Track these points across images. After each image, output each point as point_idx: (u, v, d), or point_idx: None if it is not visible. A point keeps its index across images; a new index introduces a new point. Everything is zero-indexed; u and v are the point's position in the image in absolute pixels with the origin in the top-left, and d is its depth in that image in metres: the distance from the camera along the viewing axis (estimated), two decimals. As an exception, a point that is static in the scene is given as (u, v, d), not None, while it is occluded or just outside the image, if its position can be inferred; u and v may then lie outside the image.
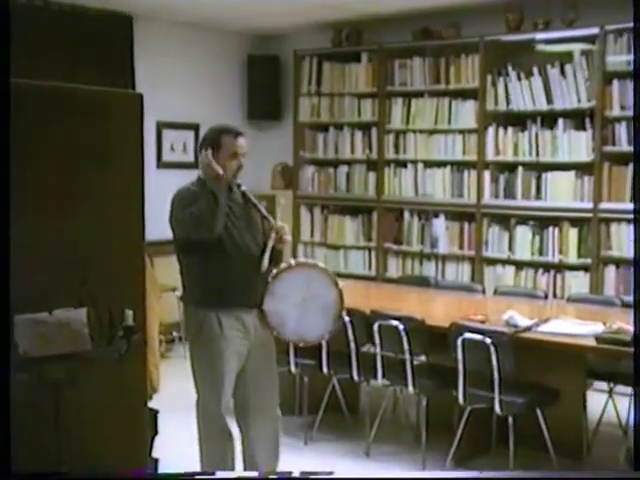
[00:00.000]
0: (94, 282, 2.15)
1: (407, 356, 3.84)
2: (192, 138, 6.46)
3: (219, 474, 2.09)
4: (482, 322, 3.88)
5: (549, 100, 5.37)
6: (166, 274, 4.65)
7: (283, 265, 2.95)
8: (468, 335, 3.72)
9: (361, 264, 6.28)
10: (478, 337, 3.70)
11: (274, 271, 2.93)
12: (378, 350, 3.99)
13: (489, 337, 3.66)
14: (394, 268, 6.10)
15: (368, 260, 6.27)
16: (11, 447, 1.77)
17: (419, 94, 5.93)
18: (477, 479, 2.00)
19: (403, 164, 6.03)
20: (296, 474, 1.79)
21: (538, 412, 3.80)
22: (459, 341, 3.75)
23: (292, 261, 2.97)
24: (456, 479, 2.20)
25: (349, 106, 6.29)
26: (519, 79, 5.46)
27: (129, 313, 2.15)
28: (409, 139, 6.01)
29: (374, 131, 6.19)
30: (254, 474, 2.61)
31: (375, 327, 4.02)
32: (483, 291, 4.89)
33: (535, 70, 5.42)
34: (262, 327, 3.01)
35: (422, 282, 5.15)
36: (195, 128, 6.51)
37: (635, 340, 2.94)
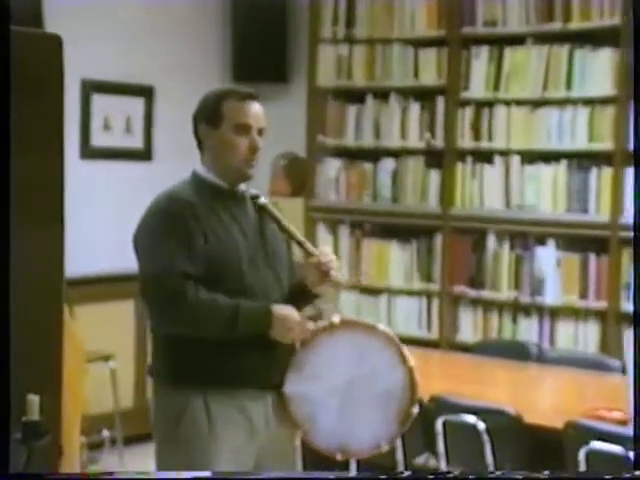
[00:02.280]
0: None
1: (492, 474, 3.51)
2: (141, 110, 6.23)
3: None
4: (621, 423, 3.78)
5: None
6: (94, 333, 4.62)
7: (321, 323, 2.96)
8: (597, 445, 3.60)
9: (415, 319, 6.05)
10: (615, 449, 3.58)
11: (303, 340, 2.95)
12: (443, 464, 3.98)
13: (633, 449, 3.38)
14: (469, 327, 5.87)
15: (427, 313, 6.00)
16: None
17: (517, 40, 5.68)
18: (478, 479, 2.38)
19: (487, 157, 5.75)
20: None
21: None
22: (582, 453, 3.64)
23: (335, 318, 2.96)
24: (455, 478, 2.63)
25: (399, 61, 6.06)
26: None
27: (33, 400, 2.09)
28: (498, 116, 5.74)
29: (440, 102, 5.91)
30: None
31: (438, 425, 3.97)
32: (623, 369, 4.54)
33: None
34: (279, 422, 2.98)
35: (517, 352, 4.99)
36: (147, 93, 6.26)
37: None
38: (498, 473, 3.33)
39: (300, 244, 2.97)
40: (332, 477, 2.15)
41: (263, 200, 2.97)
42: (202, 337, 2.80)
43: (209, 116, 2.90)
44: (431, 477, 2.64)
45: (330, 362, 3.01)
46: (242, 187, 2.90)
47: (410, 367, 2.97)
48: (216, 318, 2.77)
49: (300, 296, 2.99)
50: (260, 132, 2.89)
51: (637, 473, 2.69)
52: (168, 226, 2.80)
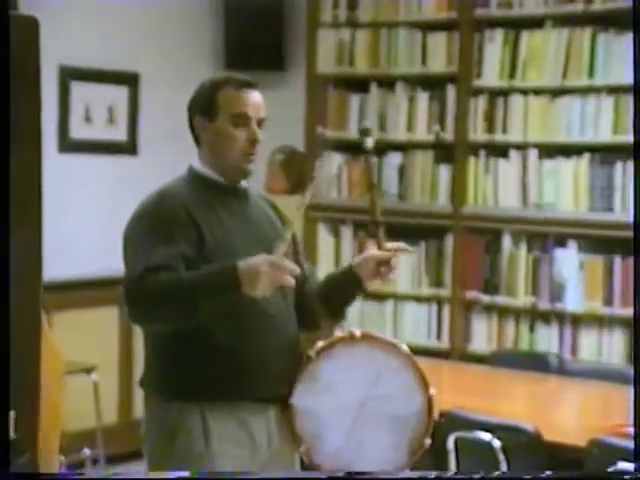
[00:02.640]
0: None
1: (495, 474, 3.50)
2: (125, 99, 6.14)
3: None
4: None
5: None
6: (74, 342, 4.73)
7: (339, 334, 2.93)
8: (624, 465, 3.52)
9: (424, 327, 6.01)
10: (645, 472, 3.61)
11: (320, 343, 2.90)
12: (455, 485, 3.94)
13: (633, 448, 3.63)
14: (483, 336, 5.80)
15: (437, 320, 5.95)
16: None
17: (535, 22, 5.63)
18: (481, 479, 2.51)
19: (502, 151, 5.70)
20: None
21: None
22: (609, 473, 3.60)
23: (357, 331, 2.90)
24: (456, 479, 2.84)
25: (406, 46, 6.00)
26: None
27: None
28: (514, 106, 5.69)
29: (450, 91, 5.84)
30: None
31: (450, 442, 3.96)
32: (651, 383, 4.51)
33: None
34: (283, 437, 2.94)
35: (535, 363, 4.96)
36: (131, 81, 6.17)
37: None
38: (500, 473, 3.31)
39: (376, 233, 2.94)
40: (332, 477, 2.26)
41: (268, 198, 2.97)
42: (203, 336, 2.78)
43: (204, 107, 2.90)
44: (432, 477, 2.65)
45: (345, 378, 2.99)
46: (244, 183, 2.91)
47: (430, 395, 2.96)
48: (173, 292, 2.70)
49: (339, 291, 2.99)
50: (260, 123, 2.88)
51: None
52: (156, 223, 2.79)
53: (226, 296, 2.71)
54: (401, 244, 2.99)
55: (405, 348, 2.95)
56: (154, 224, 2.79)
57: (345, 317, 3.17)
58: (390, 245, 2.96)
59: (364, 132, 3.04)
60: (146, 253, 2.73)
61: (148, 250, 2.74)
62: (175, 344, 2.85)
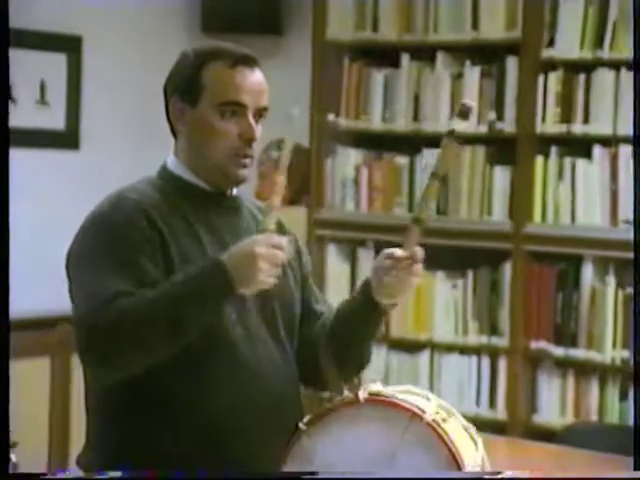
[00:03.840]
0: None
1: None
2: (64, 72, 5.78)
3: None
4: None
5: None
6: None
7: (340, 397, 2.79)
8: None
9: (471, 389, 5.54)
10: None
11: (311, 416, 2.81)
12: None
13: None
14: (554, 403, 5.35)
15: (489, 380, 5.49)
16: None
17: None
18: (481, 479, 2.67)
19: (582, 148, 5.23)
20: None
21: None
22: None
23: (360, 392, 2.74)
24: (461, 479, 2.74)
25: (450, 4, 5.54)
26: None
27: None
28: (600, 85, 5.23)
29: (511, 66, 5.37)
30: None
31: None
32: None
33: None
34: None
35: (627, 441, 4.59)
36: (71, 47, 5.78)
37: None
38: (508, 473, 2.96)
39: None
40: (332, 477, 2.53)
41: (273, 211, 2.78)
42: (166, 397, 2.71)
43: (183, 87, 2.77)
44: (432, 477, 2.73)
45: (347, 458, 2.78)
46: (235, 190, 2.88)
47: None
48: (154, 310, 2.64)
49: (353, 321, 2.85)
50: (259, 114, 2.74)
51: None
52: (110, 239, 2.70)
53: (216, 302, 2.67)
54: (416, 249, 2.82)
55: (429, 416, 2.68)
56: (108, 239, 2.68)
57: (363, 367, 2.98)
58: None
59: (463, 113, 2.73)
60: (99, 280, 2.64)
61: (101, 275, 2.65)
62: (126, 412, 2.73)
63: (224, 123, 2.73)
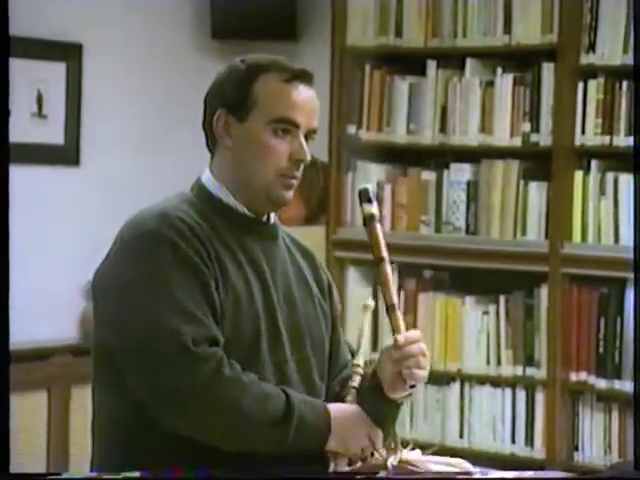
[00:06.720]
0: None
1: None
2: (62, 82, 5.72)
3: None
4: None
5: None
6: None
7: (370, 460, 2.79)
8: None
9: (505, 425, 5.49)
10: None
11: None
12: None
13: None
14: (597, 441, 5.31)
15: (525, 416, 5.42)
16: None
17: None
18: (482, 479, 2.70)
19: (626, 161, 5.14)
20: None
21: None
22: None
23: (390, 460, 2.75)
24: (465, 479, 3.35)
25: (481, 6, 5.52)
26: None
27: None
28: None
29: (547, 73, 5.34)
30: None
31: None
32: None
33: None
34: None
35: None
36: (71, 56, 5.74)
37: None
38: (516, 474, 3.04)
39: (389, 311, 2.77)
40: (332, 477, 2.56)
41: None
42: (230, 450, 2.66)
43: (232, 100, 2.76)
44: (432, 477, 2.78)
45: None
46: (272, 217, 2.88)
47: None
48: (266, 412, 2.66)
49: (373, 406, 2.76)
50: (309, 135, 2.74)
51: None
52: (174, 260, 2.66)
53: (306, 441, 2.70)
54: (414, 333, 2.71)
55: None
56: (175, 263, 2.66)
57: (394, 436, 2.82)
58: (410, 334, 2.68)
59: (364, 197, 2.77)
60: (185, 304, 2.62)
61: (185, 301, 2.64)
62: (140, 428, 2.63)
63: (276, 141, 2.71)
